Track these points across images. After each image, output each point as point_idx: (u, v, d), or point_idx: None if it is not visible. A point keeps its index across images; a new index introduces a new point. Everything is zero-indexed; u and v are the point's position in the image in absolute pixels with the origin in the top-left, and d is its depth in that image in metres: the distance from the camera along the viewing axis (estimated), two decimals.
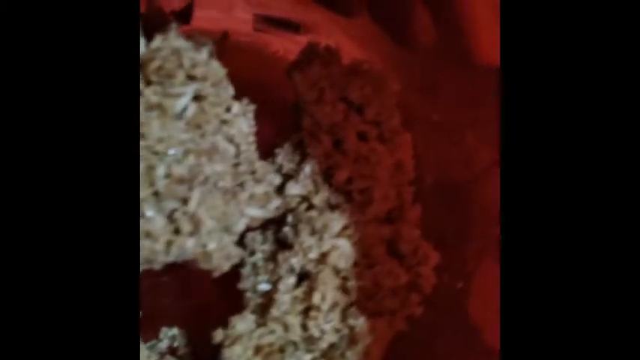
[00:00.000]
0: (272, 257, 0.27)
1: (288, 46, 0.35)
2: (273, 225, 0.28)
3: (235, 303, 0.29)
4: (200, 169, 0.21)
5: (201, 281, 0.33)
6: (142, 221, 0.20)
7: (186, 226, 0.21)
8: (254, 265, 0.27)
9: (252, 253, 0.27)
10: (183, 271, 0.34)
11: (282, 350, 0.25)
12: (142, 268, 0.21)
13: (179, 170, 0.21)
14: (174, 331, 0.31)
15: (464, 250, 0.28)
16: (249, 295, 0.27)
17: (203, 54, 0.23)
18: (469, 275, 0.27)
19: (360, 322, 0.25)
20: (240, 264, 0.27)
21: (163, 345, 0.31)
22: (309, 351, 0.26)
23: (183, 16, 0.31)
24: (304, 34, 0.35)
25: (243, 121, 0.25)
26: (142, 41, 0.23)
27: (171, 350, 0.31)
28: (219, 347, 0.30)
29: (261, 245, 0.27)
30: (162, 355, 0.30)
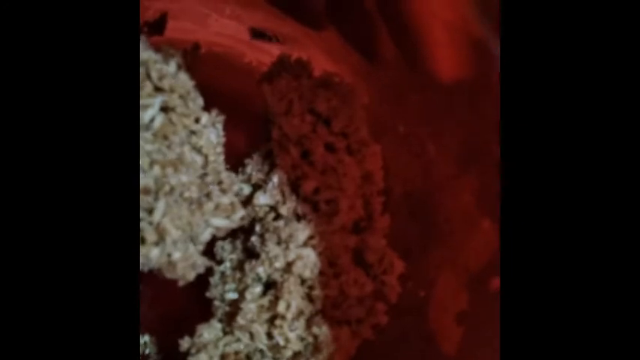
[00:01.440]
0: (240, 266, 0.27)
1: (261, 58, 0.36)
2: (242, 234, 0.29)
3: (204, 310, 0.29)
4: (166, 180, 0.22)
5: (170, 289, 0.33)
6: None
7: (150, 236, 0.21)
8: (222, 274, 0.28)
9: (221, 261, 0.28)
10: (152, 280, 0.34)
11: (248, 358, 0.26)
12: None
13: (145, 181, 0.21)
14: (146, 338, 0.32)
15: (427, 259, 0.29)
16: (216, 303, 0.27)
17: (171, 66, 0.24)
18: (431, 284, 0.28)
19: (323, 331, 0.25)
20: (209, 272, 0.28)
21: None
22: (276, 358, 0.26)
23: (157, 26, 0.32)
24: (279, 45, 0.36)
25: (211, 131, 0.26)
26: None
27: (143, 357, 0.31)
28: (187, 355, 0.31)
29: (230, 254, 0.28)
30: None
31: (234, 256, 0.28)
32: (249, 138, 0.32)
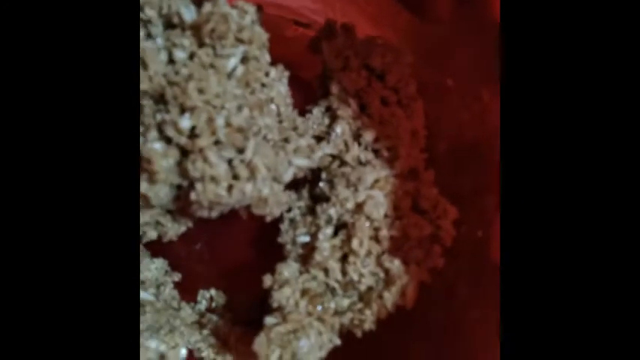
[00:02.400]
0: (308, 212, 0.29)
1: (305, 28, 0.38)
2: (306, 184, 0.30)
3: (264, 261, 0.31)
4: (254, 121, 0.23)
5: (224, 246, 0.35)
6: (206, 167, 0.22)
7: (243, 172, 0.23)
8: (292, 220, 0.29)
9: (289, 209, 0.30)
10: (213, 238, 0.36)
11: (323, 295, 0.27)
12: (205, 213, 0.23)
13: (237, 120, 0.23)
14: (212, 292, 0.33)
15: (482, 203, 0.31)
16: (289, 247, 0.29)
17: (247, 19, 0.25)
18: (488, 224, 0.30)
19: (396, 264, 0.27)
20: (273, 221, 0.29)
21: (202, 306, 0.33)
22: (347, 296, 0.28)
23: None
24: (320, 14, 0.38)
25: (280, 85, 0.27)
26: (192, 7, 0.25)
27: (210, 310, 0.33)
28: (254, 302, 0.32)
29: (297, 202, 0.29)
30: (202, 314, 0.32)
31: (301, 204, 0.29)
32: (301, 100, 0.34)
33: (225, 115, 0.23)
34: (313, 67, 0.34)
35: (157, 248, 0.33)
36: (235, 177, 0.23)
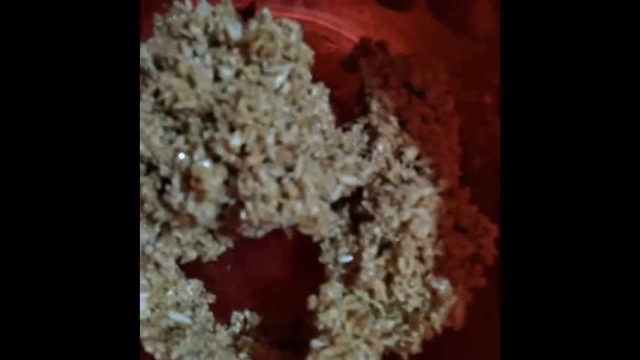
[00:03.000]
0: (350, 231, 0.29)
1: (338, 45, 0.38)
2: (347, 203, 0.30)
3: (303, 281, 0.30)
4: (302, 138, 0.23)
5: (262, 263, 0.34)
6: (257, 185, 0.22)
7: (293, 191, 0.22)
8: (333, 240, 0.29)
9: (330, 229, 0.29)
10: (244, 257, 0.35)
11: (367, 317, 0.27)
12: (252, 233, 0.23)
13: (287, 138, 0.22)
14: (246, 313, 0.32)
15: None
16: (330, 267, 0.28)
17: (292, 37, 0.25)
18: None
19: (444, 285, 0.26)
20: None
21: (236, 328, 0.32)
22: (391, 318, 0.27)
23: (248, 13, 0.33)
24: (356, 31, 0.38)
25: (322, 102, 0.27)
26: (238, 25, 0.24)
27: (245, 332, 0.32)
28: (289, 324, 0.32)
29: (338, 221, 0.29)
30: (236, 337, 0.31)
31: (342, 223, 0.29)
32: (337, 117, 0.33)
33: (275, 132, 0.22)
34: (345, 85, 0.34)
35: (189, 269, 0.33)
36: (285, 195, 0.22)
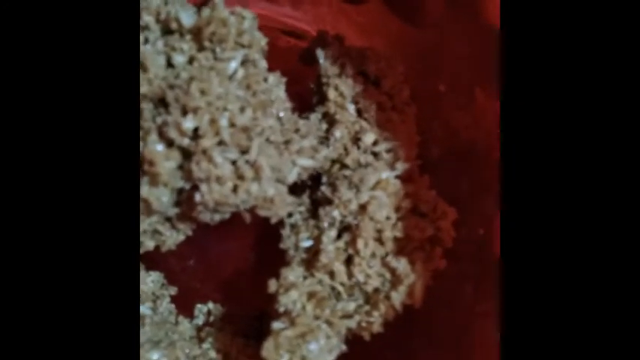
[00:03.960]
0: (310, 216, 0.29)
1: (297, 39, 0.38)
2: (306, 189, 0.30)
3: (265, 269, 0.30)
4: (257, 122, 0.23)
5: (224, 255, 0.34)
6: (211, 167, 0.22)
7: (248, 173, 0.22)
8: (293, 225, 0.29)
9: (290, 214, 0.29)
10: (206, 251, 0.35)
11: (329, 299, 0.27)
12: (210, 216, 0.23)
13: (241, 120, 0.22)
14: (210, 305, 0.32)
15: (481, 203, 0.31)
16: (291, 252, 0.28)
17: (245, 25, 0.25)
18: (490, 222, 0.30)
19: (402, 263, 0.27)
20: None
21: (199, 320, 0.32)
22: (353, 299, 0.27)
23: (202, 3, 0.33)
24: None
25: (279, 90, 0.27)
26: (191, 12, 0.25)
27: (208, 324, 0.32)
28: (254, 312, 0.32)
29: (298, 207, 0.29)
30: (200, 329, 0.31)
31: (302, 209, 0.29)
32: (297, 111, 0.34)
33: (229, 115, 0.23)
34: (304, 80, 0.34)
35: (152, 262, 0.33)
36: (240, 177, 0.23)
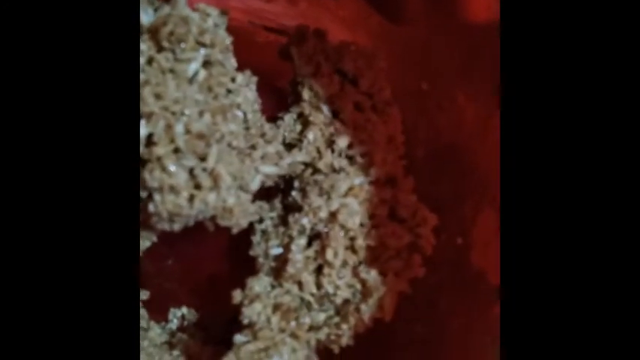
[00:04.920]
0: (281, 222, 0.28)
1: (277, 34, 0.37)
2: (279, 193, 0.29)
3: (238, 277, 0.29)
4: (216, 127, 0.22)
5: (203, 257, 0.34)
6: (164, 176, 0.21)
7: (206, 182, 0.21)
8: (263, 232, 0.28)
9: (261, 220, 0.28)
10: (185, 253, 0.34)
11: (296, 311, 0.26)
12: (167, 225, 0.22)
13: (198, 126, 0.21)
14: (183, 310, 0.32)
15: (461, 208, 0.30)
16: (261, 260, 0.27)
17: (209, 22, 0.24)
18: (468, 229, 0.29)
19: (372, 275, 0.26)
20: (243, 233, 0.28)
21: (173, 325, 0.31)
22: (323, 310, 0.26)
23: None
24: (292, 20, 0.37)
25: (247, 90, 0.26)
26: (150, 10, 0.23)
27: (182, 329, 0.31)
28: (226, 320, 0.31)
29: (269, 212, 0.28)
30: (173, 334, 0.30)
31: (273, 214, 0.28)
32: (273, 107, 0.33)
33: (185, 121, 0.21)
34: (286, 75, 0.33)
35: None
36: (197, 186, 0.21)
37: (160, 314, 0.32)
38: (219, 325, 0.31)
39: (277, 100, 0.33)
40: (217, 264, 0.33)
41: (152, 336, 0.29)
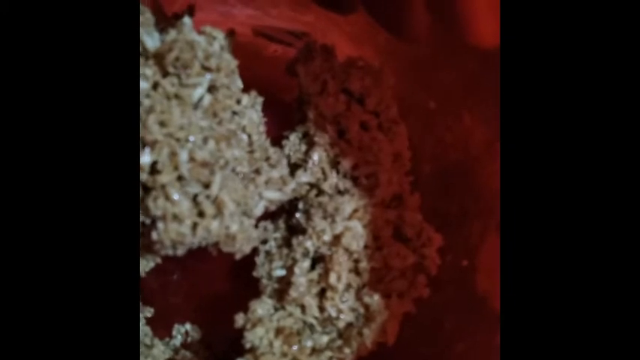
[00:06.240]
0: (285, 244, 0.28)
1: (285, 47, 0.37)
2: (283, 214, 0.29)
3: (245, 294, 0.29)
4: (220, 154, 0.22)
5: (203, 280, 0.34)
6: (167, 205, 0.21)
7: (209, 209, 0.21)
8: (267, 253, 0.28)
9: (265, 241, 0.28)
10: (191, 269, 0.34)
11: (299, 334, 0.26)
12: (171, 251, 0.22)
13: (201, 154, 0.21)
14: (187, 326, 0.32)
15: (467, 229, 0.29)
16: (264, 281, 0.27)
17: (215, 46, 0.24)
18: (473, 251, 0.29)
19: (375, 300, 0.25)
20: (254, 252, 0.28)
21: (177, 341, 0.31)
22: (326, 333, 0.26)
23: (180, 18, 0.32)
24: (300, 36, 0.37)
25: (252, 112, 0.26)
26: (156, 35, 0.23)
27: (186, 345, 0.31)
28: (231, 339, 0.31)
29: (274, 233, 0.28)
30: (176, 350, 0.31)
31: (277, 235, 0.28)
32: (278, 124, 0.32)
33: (190, 148, 0.21)
34: (294, 89, 0.33)
35: None
36: (201, 214, 0.22)
37: (164, 330, 0.32)
38: (223, 343, 0.31)
39: (284, 115, 0.33)
40: (223, 281, 0.33)
41: (155, 353, 0.30)
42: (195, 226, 0.21)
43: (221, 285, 0.33)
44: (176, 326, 0.32)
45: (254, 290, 0.28)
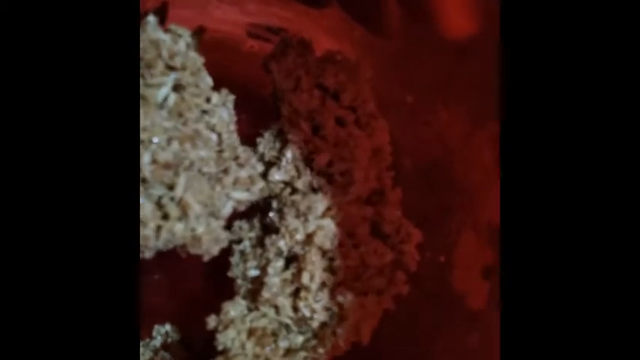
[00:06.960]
0: (259, 243, 0.28)
1: (262, 42, 0.36)
2: (258, 213, 0.29)
3: (224, 293, 0.29)
4: (185, 154, 0.22)
5: (185, 279, 0.33)
6: None
7: (174, 211, 0.21)
8: (242, 253, 0.28)
9: (240, 240, 0.28)
10: (173, 267, 0.34)
11: (274, 334, 0.26)
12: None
13: (164, 156, 0.21)
14: (167, 327, 0.32)
15: (445, 225, 0.29)
16: (239, 282, 0.27)
17: (181, 45, 0.24)
18: (450, 248, 0.28)
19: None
20: (228, 251, 0.28)
21: (157, 342, 0.31)
22: (300, 333, 0.26)
23: (158, 15, 0.32)
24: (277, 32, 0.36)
25: (223, 110, 0.26)
26: None
27: (165, 346, 0.31)
28: (211, 339, 0.31)
29: (248, 232, 0.28)
30: (156, 351, 0.30)
31: (252, 235, 0.28)
32: (256, 120, 0.32)
33: (153, 150, 0.21)
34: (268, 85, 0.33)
35: None
36: (165, 216, 0.21)
37: (143, 331, 0.32)
38: (202, 344, 0.31)
39: (263, 112, 0.32)
40: (201, 280, 0.33)
41: None
42: (158, 229, 0.21)
43: (199, 285, 0.33)
44: (156, 327, 0.32)
45: (232, 289, 0.28)
